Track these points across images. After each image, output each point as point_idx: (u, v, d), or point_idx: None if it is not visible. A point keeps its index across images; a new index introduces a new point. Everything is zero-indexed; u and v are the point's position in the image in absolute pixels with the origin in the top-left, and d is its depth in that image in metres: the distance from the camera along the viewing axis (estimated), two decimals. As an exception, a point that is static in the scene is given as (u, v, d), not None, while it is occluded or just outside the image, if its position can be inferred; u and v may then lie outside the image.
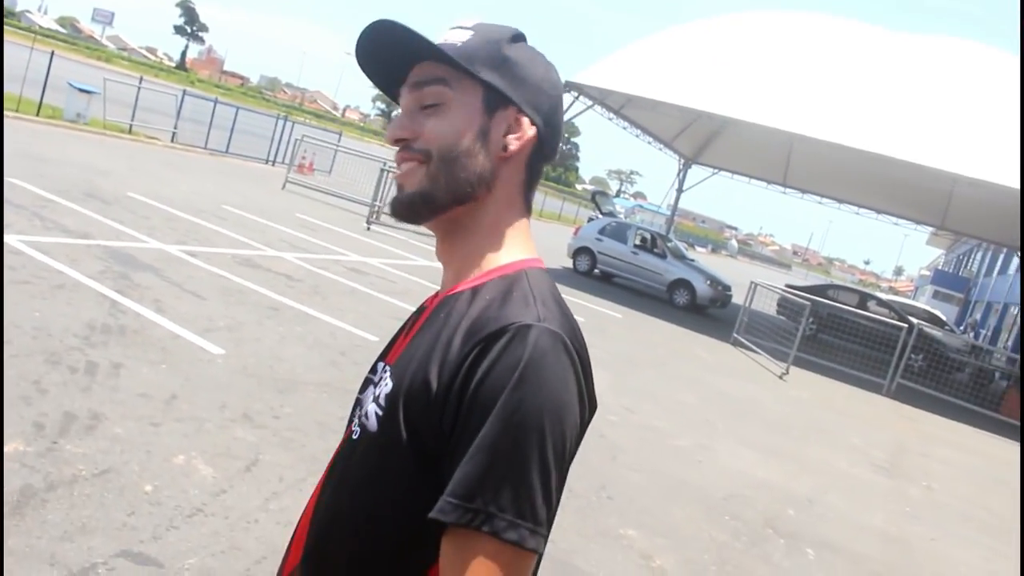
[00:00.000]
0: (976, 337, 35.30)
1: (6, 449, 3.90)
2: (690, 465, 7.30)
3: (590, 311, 14.93)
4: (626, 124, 22.15)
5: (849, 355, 17.23)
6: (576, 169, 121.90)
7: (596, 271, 20.94)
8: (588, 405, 1.05)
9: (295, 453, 4.85)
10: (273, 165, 25.46)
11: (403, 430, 1.01)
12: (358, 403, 1.17)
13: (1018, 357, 23.78)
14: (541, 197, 47.69)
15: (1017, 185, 14.74)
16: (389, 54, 1.14)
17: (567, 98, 18.43)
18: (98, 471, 3.94)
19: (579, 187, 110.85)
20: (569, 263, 21.32)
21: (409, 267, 13.34)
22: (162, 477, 4.06)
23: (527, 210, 1.18)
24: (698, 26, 20.48)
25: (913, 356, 16.19)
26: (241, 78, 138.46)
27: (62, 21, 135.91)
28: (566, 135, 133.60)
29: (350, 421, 1.18)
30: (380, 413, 1.04)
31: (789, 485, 7.56)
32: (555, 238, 27.32)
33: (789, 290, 18.75)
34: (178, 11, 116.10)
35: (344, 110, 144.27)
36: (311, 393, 5.98)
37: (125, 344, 5.84)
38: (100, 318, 6.27)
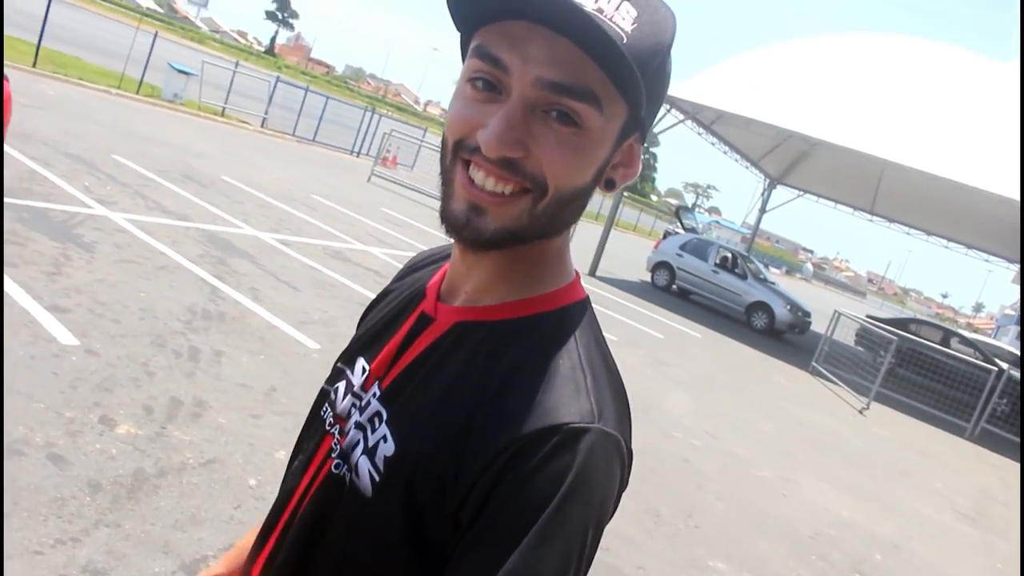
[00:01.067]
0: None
1: (118, 430, 3.96)
2: (775, 498, 7.12)
3: (669, 328, 14.75)
4: (714, 140, 21.86)
5: (930, 394, 16.72)
6: (653, 180, 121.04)
7: (674, 287, 20.70)
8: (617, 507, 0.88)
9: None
10: (358, 156, 25.74)
11: (404, 508, 0.84)
12: (333, 413, 0.98)
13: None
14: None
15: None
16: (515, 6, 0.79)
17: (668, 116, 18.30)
18: (204, 460, 3.97)
19: (654, 198, 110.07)
20: (647, 276, 21.12)
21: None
22: (265, 472, 4.08)
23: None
24: (794, 45, 20.09)
25: (998, 400, 15.63)
26: (327, 66, 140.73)
27: (160, 1, 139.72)
28: (646, 145, 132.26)
29: (323, 431, 0.99)
30: (377, 479, 0.86)
31: (874, 527, 7.33)
32: (632, 250, 27.18)
33: (872, 322, 18.28)
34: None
35: (426, 105, 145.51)
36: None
37: (225, 331, 5.92)
38: (201, 303, 6.36)
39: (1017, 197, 14.82)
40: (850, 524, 7.15)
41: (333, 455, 0.93)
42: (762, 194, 27.19)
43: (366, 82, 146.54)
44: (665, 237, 24.81)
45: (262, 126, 23.28)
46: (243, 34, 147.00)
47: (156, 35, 20.69)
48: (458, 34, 0.87)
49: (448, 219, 0.86)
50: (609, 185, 0.89)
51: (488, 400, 0.83)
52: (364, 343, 1.02)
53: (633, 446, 0.87)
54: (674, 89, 17.91)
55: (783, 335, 19.87)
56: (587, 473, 0.78)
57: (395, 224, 14.34)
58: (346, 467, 0.91)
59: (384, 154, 22.35)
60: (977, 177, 15.26)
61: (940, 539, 7.87)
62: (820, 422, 11.55)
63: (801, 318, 19.84)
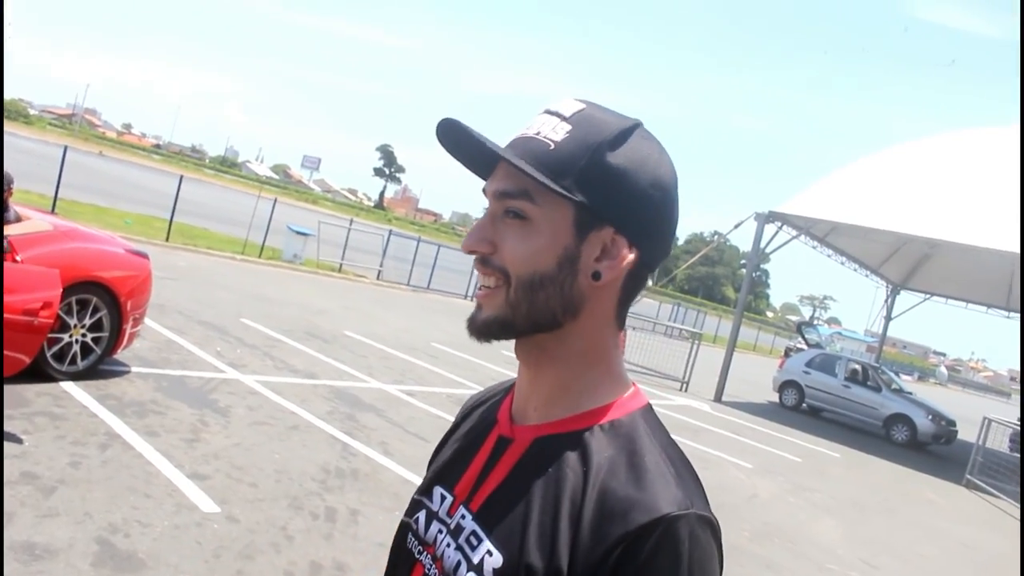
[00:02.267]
0: None
1: (262, 602, 3.90)
2: (952, 633, 6.51)
3: (805, 450, 14.09)
4: (830, 252, 21.40)
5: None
6: (767, 297, 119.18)
7: (804, 406, 19.91)
8: None
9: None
10: (471, 300, 26.09)
11: None
12: (419, 541, 1.04)
13: None
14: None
15: None
16: (472, 149, 0.99)
17: (770, 229, 18.07)
18: (350, 629, 3.85)
19: (770, 315, 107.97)
20: (775, 397, 20.42)
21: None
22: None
23: (620, 327, 1.03)
24: (903, 149, 19.73)
25: None
26: (434, 215, 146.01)
27: (275, 168, 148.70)
28: (757, 263, 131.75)
29: (411, 560, 1.04)
30: None
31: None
32: (754, 369, 26.46)
33: (1027, 426, 17.06)
34: (378, 155, 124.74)
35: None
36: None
37: (359, 489, 5.89)
38: (333, 461, 6.38)
39: None
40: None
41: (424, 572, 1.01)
42: (885, 301, 26.29)
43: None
44: (787, 355, 24.09)
45: (378, 278, 24.00)
46: (353, 191, 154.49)
47: (275, 201, 21.82)
48: None
49: (466, 322, 1.02)
50: (596, 277, 0.97)
51: (586, 503, 0.90)
52: (440, 474, 1.09)
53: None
54: (784, 207, 17.75)
55: (927, 447, 18.75)
56: (695, 556, 0.87)
57: (515, 365, 14.33)
58: None
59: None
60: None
61: None
62: (987, 542, 10.68)
63: (946, 427, 18.73)
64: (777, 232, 18.30)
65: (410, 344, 13.42)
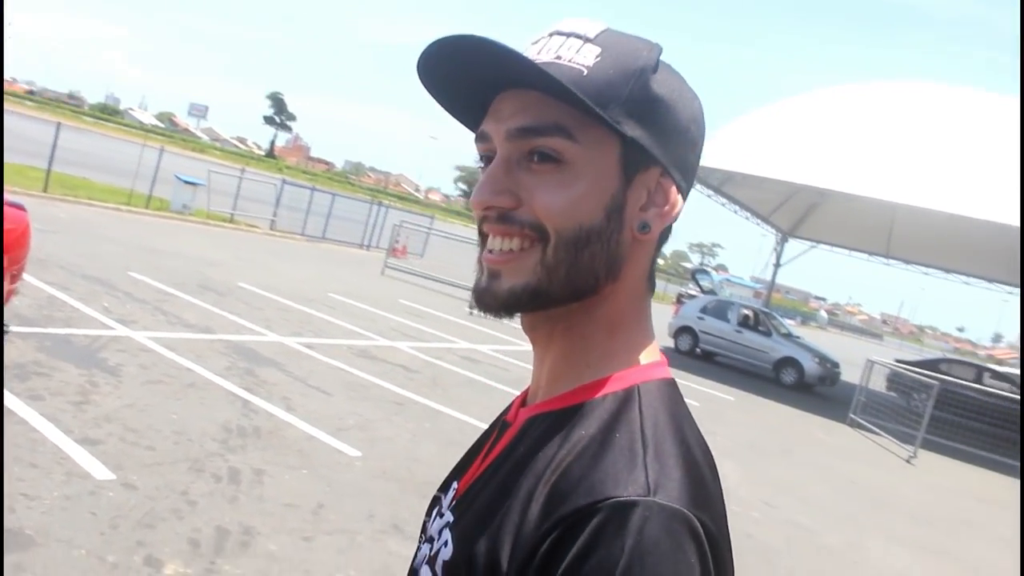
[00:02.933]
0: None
1: (166, 571, 3.71)
2: (847, 567, 6.77)
3: (702, 394, 14.43)
4: (724, 200, 21.81)
5: (973, 434, 16.26)
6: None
7: (698, 350, 20.41)
8: None
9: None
10: (368, 249, 25.77)
11: None
12: (425, 535, 0.93)
13: None
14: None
15: None
16: (471, 76, 0.82)
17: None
18: (262, 596, 3.70)
19: (660, 261, 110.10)
20: (670, 342, 20.85)
21: (519, 353, 13.08)
22: (326, 601, 3.81)
23: (651, 288, 0.89)
24: (796, 101, 20.19)
25: (1038, 433, 15.17)
26: (327, 163, 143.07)
27: (161, 116, 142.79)
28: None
29: (418, 549, 0.93)
30: None
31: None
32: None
33: (905, 367, 17.93)
34: (268, 103, 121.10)
35: (427, 192, 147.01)
36: (453, 497, 5.70)
37: (262, 447, 5.68)
38: (234, 419, 6.14)
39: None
40: (930, 589, 6.78)
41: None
42: (774, 248, 27.04)
43: (366, 175, 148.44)
44: (679, 301, 24.58)
45: (271, 228, 23.36)
46: (243, 140, 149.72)
47: (162, 150, 20.89)
48: (455, 121, 0.91)
49: (472, 295, 0.85)
50: (643, 228, 0.83)
51: (541, 484, 0.74)
52: (456, 467, 0.98)
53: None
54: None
55: (814, 388, 19.50)
56: (644, 558, 0.65)
57: (416, 316, 14.16)
58: None
59: (394, 245, 22.35)
60: (990, 210, 15.10)
61: (1022, 595, 7.46)
62: (872, 478, 11.16)
63: (831, 370, 19.51)
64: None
65: (307, 295, 13.08)
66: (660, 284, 53.47)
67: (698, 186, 19.49)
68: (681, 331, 20.66)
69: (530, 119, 0.79)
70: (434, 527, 0.90)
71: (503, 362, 11.90)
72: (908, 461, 13.04)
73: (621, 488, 0.69)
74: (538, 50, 0.82)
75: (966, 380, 17.89)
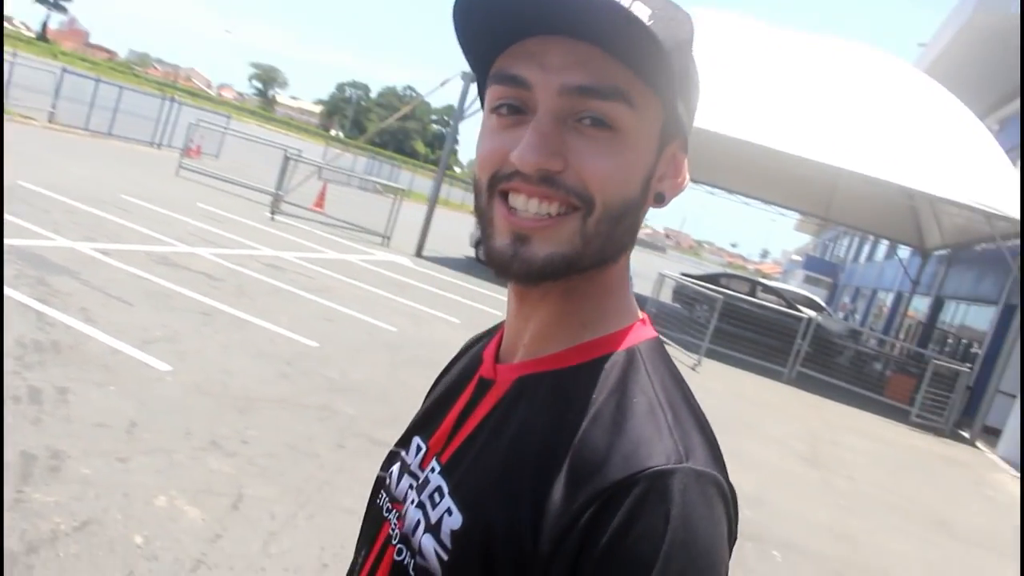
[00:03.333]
0: (845, 319, 36.96)
1: (-30, 500, 3.47)
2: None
3: (504, 303, 14.79)
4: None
5: (748, 343, 17.69)
6: (455, 152, 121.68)
7: (499, 260, 20.80)
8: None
9: (277, 484, 4.52)
10: (159, 148, 24.25)
11: None
12: (390, 497, 0.91)
13: (888, 339, 25.18)
14: (428, 183, 47.39)
15: (891, 178, 15.56)
16: (523, 9, 0.74)
17: (475, 89, 18.16)
18: (78, 523, 3.53)
19: (457, 170, 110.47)
20: (472, 252, 21.08)
21: (322, 261, 12.88)
22: (149, 525, 3.68)
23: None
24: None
25: (800, 342, 16.76)
26: (108, 52, 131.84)
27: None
28: (445, 118, 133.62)
29: (380, 520, 0.90)
30: (446, 557, 0.77)
31: (736, 485, 7.58)
32: (448, 224, 27.07)
33: (692, 281, 19.10)
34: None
35: (220, 89, 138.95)
36: (270, 411, 5.61)
37: (64, 363, 5.34)
38: (29, 332, 5.71)
39: (804, 155, 15.82)
40: (715, 486, 7.39)
41: (394, 541, 0.85)
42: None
43: (153, 67, 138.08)
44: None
45: (50, 121, 21.43)
46: (8, 19, 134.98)
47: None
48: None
49: (493, 257, 0.79)
50: (659, 200, 0.83)
51: (561, 453, 0.74)
52: (419, 423, 0.94)
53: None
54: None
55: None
56: (687, 523, 0.69)
57: (216, 220, 13.56)
58: (408, 551, 0.82)
59: (189, 145, 21.17)
60: (770, 138, 16.09)
61: (792, 486, 8.30)
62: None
63: (623, 282, 20.45)
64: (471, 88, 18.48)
65: (97, 196, 12.20)
66: (458, 193, 53.91)
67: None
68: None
69: (592, 78, 0.74)
70: (403, 487, 0.89)
71: (308, 270, 11.68)
72: (694, 368, 14.03)
73: (657, 457, 0.71)
74: None
75: (742, 293, 19.35)
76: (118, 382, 5.30)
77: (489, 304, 14.16)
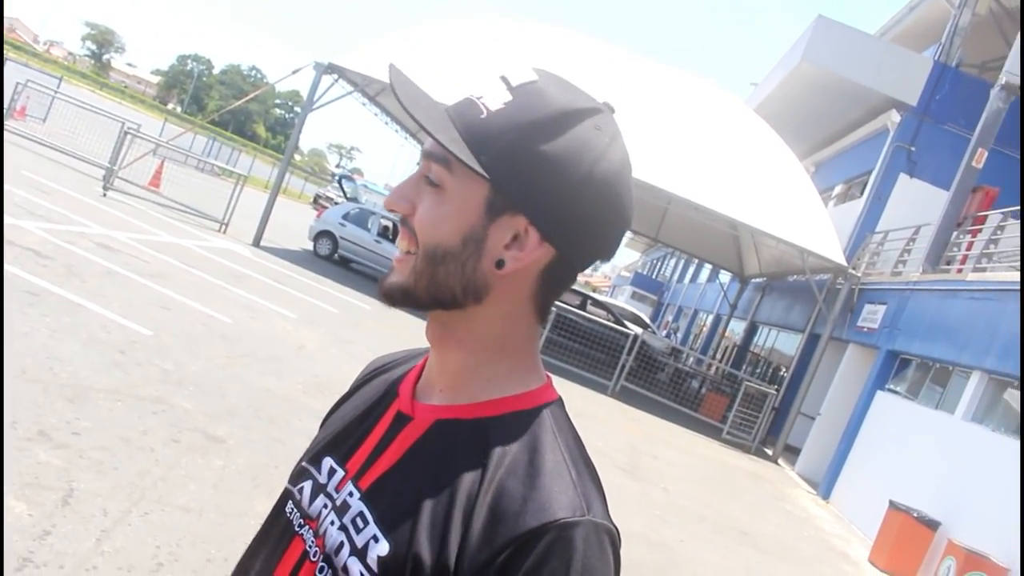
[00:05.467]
0: (668, 337, 38.69)
1: None
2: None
3: (341, 301, 14.74)
4: (376, 110, 21.89)
5: (577, 356, 18.29)
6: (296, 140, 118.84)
7: (336, 256, 20.61)
8: None
9: (109, 479, 4.41)
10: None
11: None
12: (302, 514, 1.00)
13: (705, 358, 26.58)
14: (268, 168, 46.18)
15: (718, 208, 16.55)
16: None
17: (327, 80, 17.96)
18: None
19: (297, 158, 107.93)
20: (310, 245, 20.81)
21: (157, 244, 12.41)
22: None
23: (540, 323, 0.99)
24: (456, 23, 20.58)
25: (626, 357, 17.48)
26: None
27: None
28: (289, 103, 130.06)
29: (291, 533, 0.99)
30: None
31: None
32: (286, 213, 26.58)
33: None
34: None
35: (48, 46, 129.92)
36: (103, 402, 5.44)
37: None
38: None
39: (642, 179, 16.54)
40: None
41: (312, 558, 0.94)
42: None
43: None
44: (316, 202, 24.17)
45: None
46: None
47: None
48: None
49: (379, 286, 0.98)
50: (499, 265, 0.91)
51: (480, 498, 0.87)
52: (330, 443, 1.03)
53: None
54: (342, 59, 17.70)
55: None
56: (586, 569, 0.83)
57: (43, 192, 12.77)
58: (330, 570, 0.91)
59: (13, 105, 19.84)
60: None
61: (612, 496, 8.59)
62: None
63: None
64: (333, 84, 18.26)
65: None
66: (298, 182, 52.73)
67: (356, 94, 19.37)
68: (322, 235, 20.68)
69: (430, 146, 0.92)
70: (316, 506, 0.98)
71: (143, 252, 11.23)
72: (523, 376, 14.35)
73: (564, 511, 0.85)
74: (480, 86, 0.93)
75: (573, 306, 19.97)
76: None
77: (325, 300, 14.06)
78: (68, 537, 3.70)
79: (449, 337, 0.96)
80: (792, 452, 17.26)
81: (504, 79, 0.91)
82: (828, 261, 16.72)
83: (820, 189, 20.11)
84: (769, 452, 17.25)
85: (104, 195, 15.51)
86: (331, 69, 17.68)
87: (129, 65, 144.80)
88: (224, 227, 17.50)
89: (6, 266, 7.66)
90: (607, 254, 0.95)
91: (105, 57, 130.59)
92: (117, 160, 16.70)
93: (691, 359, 27.04)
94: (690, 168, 16.90)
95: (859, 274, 16.97)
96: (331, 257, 20.55)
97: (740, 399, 17.12)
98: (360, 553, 0.89)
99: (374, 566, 0.88)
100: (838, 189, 23.75)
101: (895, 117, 18.80)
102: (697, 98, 19.16)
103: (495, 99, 0.90)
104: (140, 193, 17.49)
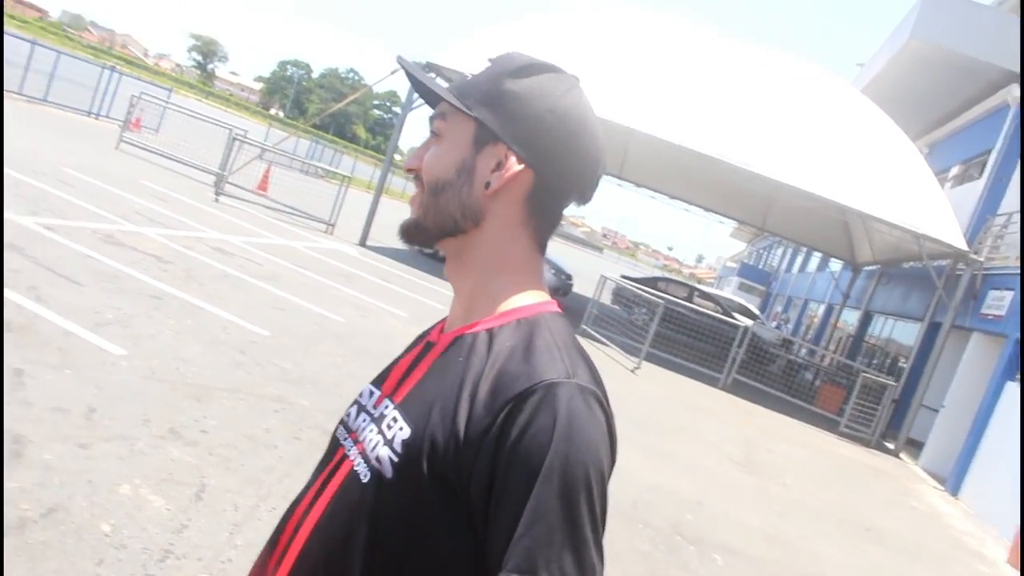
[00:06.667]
0: (778, 328, 37.77)
1: (-68, 483, 3.39)
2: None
3: (448, 297, 14.76)
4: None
5: (686, 349, 17.99)
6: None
7: (440, 253, 20.72)
8: (615, 457, 1.06)
9: (238, 475, 4.50)
10: (97, 119, 23.61)
11: (426, 478, 1.00)
12: (347, 430, 1.16)
13: (818, 349, 25.82)
14: (370, 169, 46.89)
15: (827, 194, 15.97)
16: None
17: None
18: (45, 510, 3.48)
19: (398, 157, 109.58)
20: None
21: (269, 247, 12.73)
22: (115, 513, 3.65)
23: (538, 250, 1.15)
24: (553, 16, 20.46)
25: (737, 349, 17.08)
26: (39, 11, 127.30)
27: None
28: (388, 103, 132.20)
29: (336, 445, 1.17)
30: (396, 460, 1.02)
31: (677, 488, 7.79)
32: (390, 212, 26.87)
33: (634, 284, 19.34)
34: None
35: (157, 59, 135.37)
36: (227, 401, 5.56)
37: (17, 343, 5.21)
38: (-21, 310, 5.57)
39: (747, 167, 16.13)
40: (658, 487, 7.55)
41: (350, 457, 1.10)
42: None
43: (87, 31, 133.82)
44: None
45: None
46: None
47: None
48: None
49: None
50: (486, 186, 1.09)
51: (483, 381, 1.01)
52: (375, 378, 1.22)
53: None
54: (441, 57, 17.79)
55: (549, 298, 20.45)
56: (571, 422, 0.96)
57: (161, 199, 13.28)
58: (364, 463, 1.06)
59: (129, 117, 20.66)
60: (716, 148, 16.31)
61: (729, 491, 8.51)
62: (608, 383, 12.07)
63: (564, 281, 20.60)
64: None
65: (37, 168, 11.81)
66: (400, 182, 53.58)
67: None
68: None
69: (438, 109, 1.14)
70: (359, 422, 1.14)
71: (255, 255, 11.53)
72: (633, 372, 14.23)
73: (550, 374, 0.98)
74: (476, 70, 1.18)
75: (680, 299, 19.66)
76: (74, 365, 5.20)
77: (433, 298, 14.16)
78: (203, 531, 3.78)
79: (460, 264, 1.14)
80: (914, 446, 16.57)
81: (489, 60, 1.14)
82: (947, 246, 15.97)
83: (935, 171, 19.22)
84: (890, 446, 16.58)
85: (216, 200, 16.00)
86: (428, 68, 17.78)
87: (232, 73, 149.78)
88: (331, 228, 17.85)
89: (131, 271, 7.94)
90: (581, 190, 1.13)
91: (210, 67, 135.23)
92: (227, 166, 17.20)
93: (803, 350, 26.25)
94: (797, 154, 16.39)
95: (981, 259, 16.09)
96: (436, 255, 20.71)
97: (857, 391, 16.52)
98: (389, 442, 1.04)
99: (399, 448, 1.02)
100: (955, 170, 22.70)
101: (1016, 92, 17.85)
102: (801, 82, 18.57)
103: (479, 69, 1.15)
104: (249, 197, 17.95)
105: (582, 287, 23.01)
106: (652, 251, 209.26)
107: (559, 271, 20.44)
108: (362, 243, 17.71)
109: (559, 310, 1.13)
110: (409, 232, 1.15)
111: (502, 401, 0.97)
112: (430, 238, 1.14)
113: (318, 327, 8.72)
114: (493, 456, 0.96)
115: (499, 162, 1.08)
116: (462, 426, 0.98)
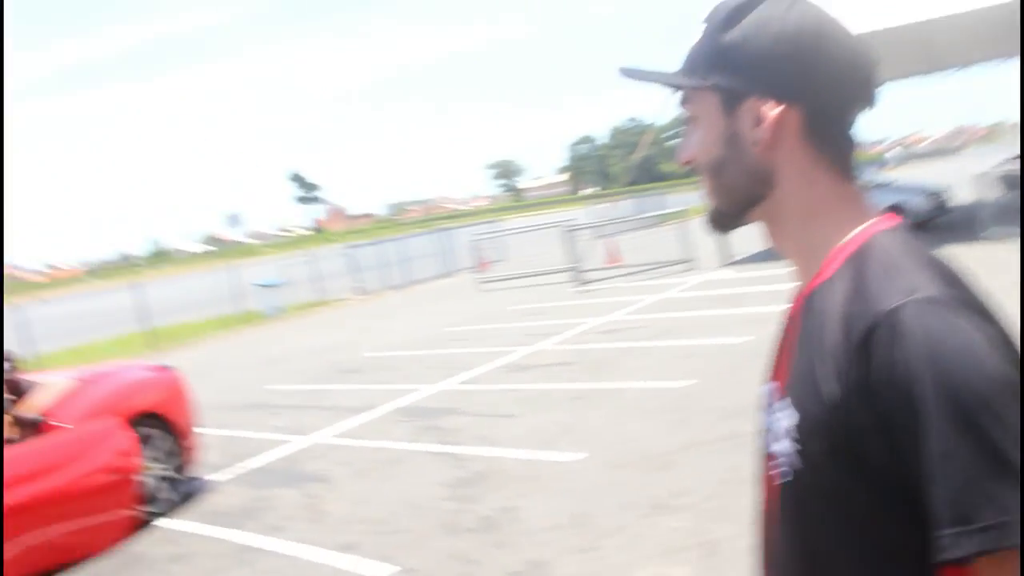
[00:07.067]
0: None
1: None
2: None
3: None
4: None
5: None
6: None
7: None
8: (1015, 352, 0.89)
9: (733, 522, 4.51)
10: (451, 276, 26.00)
11: (829, 456, 0.93)
12: (764, 434, 1.11)
13: None
14: (692, 196, 46.78)
15: None
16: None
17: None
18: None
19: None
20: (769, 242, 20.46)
21: (646, 307, 13.02)
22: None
23: (843, 180, 1.05)
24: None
25: None
26: (367, 216, 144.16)
27: (206, 240, 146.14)
28: (676, 131, 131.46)
29: (763, 453, 1.12)
30: (800, 446, 0.97)
31: None
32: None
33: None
34: (294, 184, 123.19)
35: (471, 201, 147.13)
36: (685, 458, 5.70)
37: (495, 487, 5.76)
38: (450, 472, 6.24)
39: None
40: None
41: (772, 460, 1.05)
42: None
43: (410, 210, 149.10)
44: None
45: (360, 294, 23.68)
46: (287, 230, 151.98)
47: (238, 270, 21.50)
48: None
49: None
50: (755, 144, 1.04)
51: (830, 335, 0.94)
52: (768, 372, 1.16)
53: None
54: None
55: (928, 224, 18.63)
56: (930, 340, 0.85)
57: (534, 314, 14.20)
58: (783, 463, 1.01)
59: (477, 261, 22.52)
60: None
61: None
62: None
63: (938, 200, 18.74)
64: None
65: (429, 339, 13.17)
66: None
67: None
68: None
69: (682, 95, 1.12)
70: (768, 422, 1.09)
71: (640, 320, 11.85)
72: None
73: (886, 301, 0.89)
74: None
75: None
76: (547, 485, 5.62)
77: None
78: (732, 585, 3.83)
79: (776, 229, 1.09)
80: None
81: (702, 20, 1.09)
82: None
83: None
84: None
85: (579, 291, 16.74)
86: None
87: (536, 179, 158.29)
88: (691, 263, 17.86)
89: (545, 385, 8.48)
90: (854, 96, 1.04)
91: (515, 184, 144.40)
92: (575, 258, 18.00)
93: None
94: None
95: None
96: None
97: None
98: (789, 433, 0.99)
99: (797, 435, 0.97)
100: None
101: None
102: None
103: (697, 36, 1.09)
104: (606, 274, 18.58)
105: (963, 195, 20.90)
106: (1011, 126, 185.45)
107: (926, 193, 18.67)
108: (725, 263, 17.53)
109: (891, 224, 1.04)
110: (715, 221, 1.14)
111: (853, 350, 0.90)
112: (736, 217, 1.11)
113: (729, 357, 8.67)
114: (873, 413, 0.88)
115: (755, 117, 1.03)
116: (832, 394, 0.92)
